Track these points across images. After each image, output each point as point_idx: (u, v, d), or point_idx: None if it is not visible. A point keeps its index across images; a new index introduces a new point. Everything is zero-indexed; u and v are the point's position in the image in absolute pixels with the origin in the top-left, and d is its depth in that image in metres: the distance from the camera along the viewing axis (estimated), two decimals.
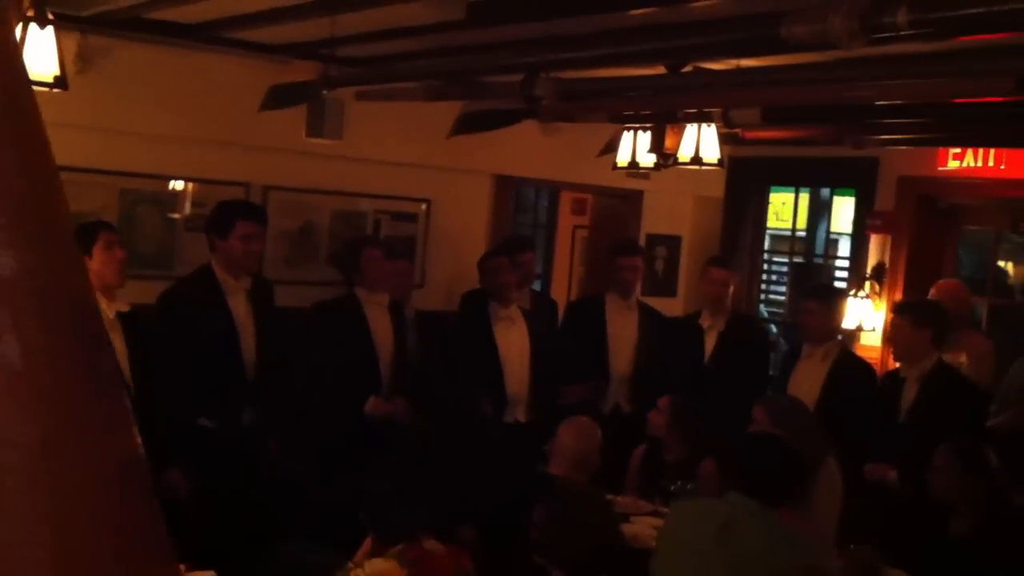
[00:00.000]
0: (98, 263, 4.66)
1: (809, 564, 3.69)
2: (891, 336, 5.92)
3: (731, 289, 6.61)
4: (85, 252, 4.63)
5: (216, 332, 5.13)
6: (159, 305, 5.19)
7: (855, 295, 7.31)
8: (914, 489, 4.94)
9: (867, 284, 7.44)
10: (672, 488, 5.13)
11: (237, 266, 5.23)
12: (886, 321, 7.11)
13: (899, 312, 5.66)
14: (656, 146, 5.97)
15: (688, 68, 5.11)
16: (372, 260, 5.87)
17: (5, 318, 0.56)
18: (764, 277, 9.00)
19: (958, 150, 7.07)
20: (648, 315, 6.75)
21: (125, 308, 4.83)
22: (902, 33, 2.74)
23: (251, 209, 5.53)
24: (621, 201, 8.21)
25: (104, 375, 0.62)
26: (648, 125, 6.00)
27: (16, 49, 0.69)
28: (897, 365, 5.71)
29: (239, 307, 5.25)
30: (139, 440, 0.65)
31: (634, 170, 6.51)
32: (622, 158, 6.33)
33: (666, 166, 6.11)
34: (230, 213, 5.30)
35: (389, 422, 5.69)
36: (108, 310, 4.71)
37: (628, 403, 6.54)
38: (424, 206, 7.07)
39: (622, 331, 6.64)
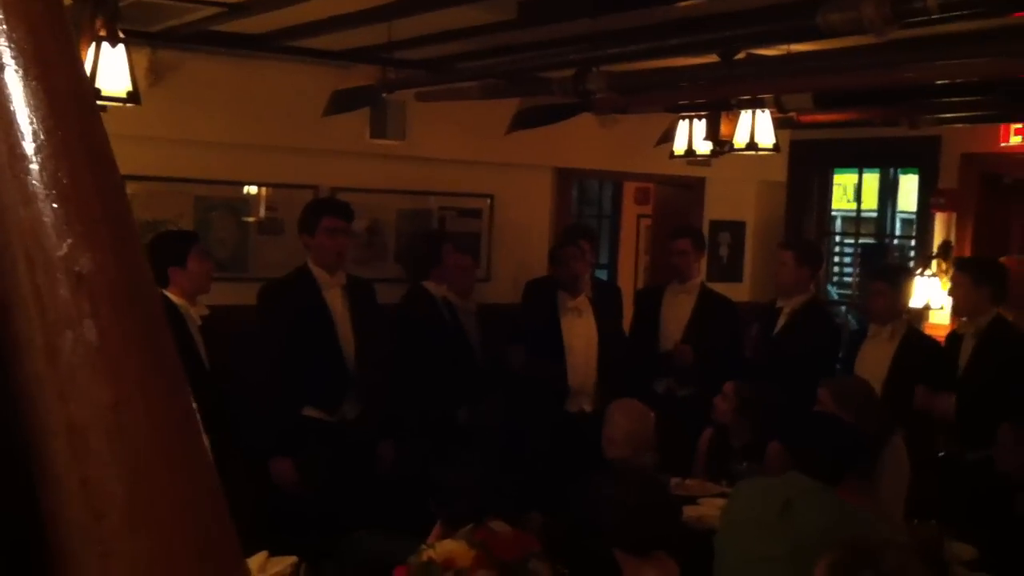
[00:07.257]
0: (191, 271, 4.87)
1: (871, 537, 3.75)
2: (951, 291, 5.98)
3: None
4: (179, 261, 4.85)
5: (314, 324, 5.34)
6: (259, 300, 5.40)
7: (921, 274, 7.29)
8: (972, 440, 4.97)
9: (934, 263, 7.41)
10: (739, 469, 5.19)
11: (328, 261, 5.42)
12: None
13: (960, 269, 5.70)
14: (712, 134, 6.03)
15: (740, 55, 5.17)
16: (451, 253, 6.11)
17: (85, 306, 0.70)
18: (836, 260, 8.97)
19: (1020, 125, 7.02)
20: (709, 299, 6.71)
21: (205, 312, 5.03)
22: (934, 17, 2.81)
23: (334, 205, 5.72)
24: (683, 189, 8.26)
25: (164, 351, 0.75)
26: (703, 113, 6.06)
27: (84, 71, 0.82)
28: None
29: (335, 301, 5.44)
30: (196, 413, 0.77)
31: (692, 158, 6.57)
32: (679, 147, 6.40)
33: (723, 153, 6.17)
34: (315, 210, 5.54)
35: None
36: (196, 316, 4.92)
37: (679, 385, 6.56)
38: (488, 201, 7.22)
39: (675, 315, 6.65)
